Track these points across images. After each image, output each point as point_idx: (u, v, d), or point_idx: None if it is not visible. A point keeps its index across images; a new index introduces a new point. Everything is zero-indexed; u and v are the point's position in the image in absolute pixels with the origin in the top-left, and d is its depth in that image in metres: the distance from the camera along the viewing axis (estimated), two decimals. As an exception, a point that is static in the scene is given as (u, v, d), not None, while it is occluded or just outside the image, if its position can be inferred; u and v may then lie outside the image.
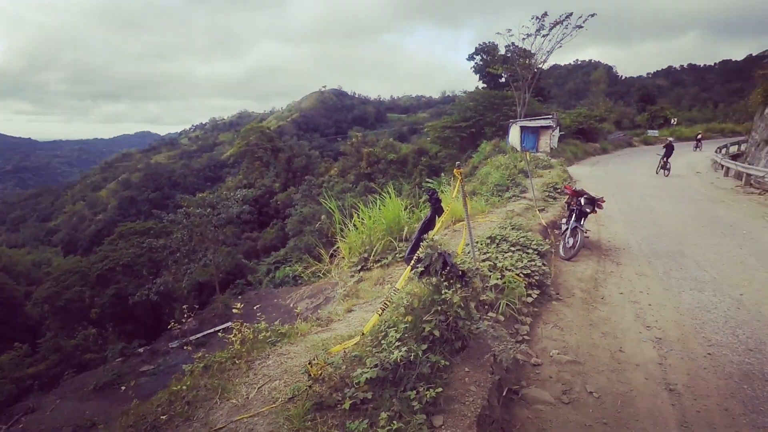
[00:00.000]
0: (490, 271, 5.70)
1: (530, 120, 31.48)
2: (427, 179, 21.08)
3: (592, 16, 30.44)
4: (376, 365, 3.37)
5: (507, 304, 5.14)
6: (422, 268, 4.01)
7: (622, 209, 12.66)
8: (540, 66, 34.59)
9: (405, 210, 8.48)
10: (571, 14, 30.16)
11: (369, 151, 55.59)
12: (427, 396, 3.19)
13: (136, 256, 26.69)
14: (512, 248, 6.85)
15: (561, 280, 6.90)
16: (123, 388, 13.52)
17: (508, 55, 36.18)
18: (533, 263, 6.43)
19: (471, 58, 46.82)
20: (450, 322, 3.83)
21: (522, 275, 5.96)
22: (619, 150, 37.47)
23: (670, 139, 25.60)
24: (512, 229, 7.85)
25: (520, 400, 3.83)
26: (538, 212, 10.77)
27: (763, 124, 19.11)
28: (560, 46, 31.75)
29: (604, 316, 5.62)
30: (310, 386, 3.27)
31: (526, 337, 4.94)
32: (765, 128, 18.67)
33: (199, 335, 19.56)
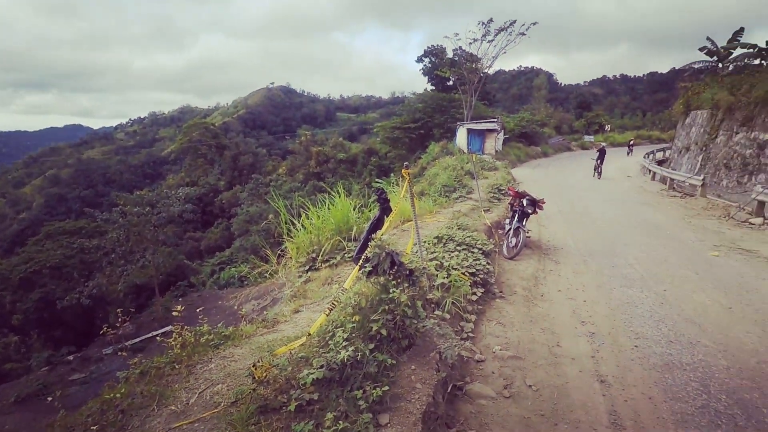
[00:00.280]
0: (437, 270, 5.83)
1: (476, 123, 32.53)
2: (377, 179, 21.23)
3: (534, 24, 31.97)
4: (322, 366, 3.34)
5: (453, 303, 5.27)
6: (370, 268, 4.02)
7: (561, 210, 13.38)
8: (486, 71, 35.84)
9: (354, 210, 8.49)
10: (514, 22, 31.52)
11: (318, 150, 55.11)
12: (374, 395, 3.20)
13: (65, 258, 24.86)
14: (458, 248, 7.04)
15: (504, 279, 7.18)
16: (49, 398, 12.49)
17: (456, 58, 37.18)
18: (478, 262, 6.64)
19: (420, 60, 47.61)
20: (397, 321, 3.87)
21: (467, 274, 6.13)
22: (558, 153, 39.59)
23: (603, 144, 27.47)
24: (458, 229, 8.07)
25: (464, 396, 3.94)
26: (483, 213, 11.15)
27: (684, 132, 20.90)
28: (505, 52, 33.08)
29: (544, 313, 5.91)
30: (254, 389, 3.19)
31: (470, 335, 5.09)
32: (686, 136, 20.43)
33: (136, 340, 18.48)
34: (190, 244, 46.80)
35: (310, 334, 3.72)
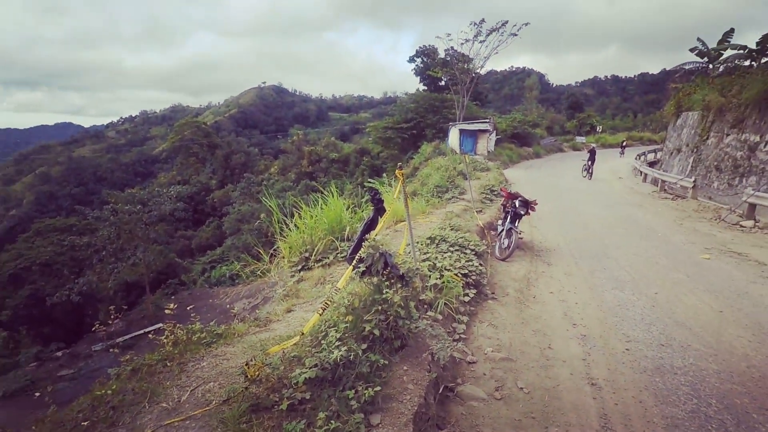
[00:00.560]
0: (430, 271, 5.84)
1: (469, 123, 32.64)
2: (369, 179, 21.20)
3: (526, 25, 32.12)
4: (315, 365, 3.34)
5: (445, 304, 5.29)
6: (364, 268, 4.03)
7: (553, 212, 13.47)
8: (478, 71, 35.94)
9: (347, 210, 8.48)
10: (506, 22, 31.65)
11: (310, 149, 55.04)
12: (366, 395, 3.21)
13: (55, 255, 24.65)
14: (451, 248, 7.07)
15: (496, 280, 7.22)
16: (38, 394, 12.39)
17: (448, 59, 37.25)
18: (471, 263, 6.66)
19: (412, 60, 47.65)
20: (390, 322, 3.88)
21: (460, 275, 6.15)
22: (551, 154, 39.82)
23: (593, 145, 27.73)
24: (451, 229, 8.09)
25: (456, 397, 3.95)
26: (475, 214, 11.20)
27: (675, 134, 21.13)
28: (496, 53, 33.19)
29: (536, 315, 5.95)
30: (246, 388, 3.19)
31: (462, 336, 5.11)
32: (677, 138, 20.65)
33: (126, 337, 18.37)
34: (181, 242, 46.54)
35: (302, 334, 3.71)
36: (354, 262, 4.14)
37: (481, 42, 32.52)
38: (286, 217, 8.37)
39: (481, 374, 4.37)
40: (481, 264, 6.91)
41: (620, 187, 19.94)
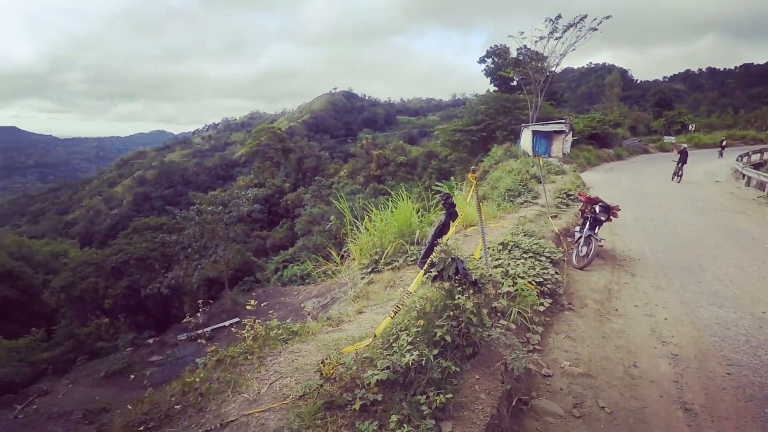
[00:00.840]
0: (503, 278, 5.67)
1: (542, 124, 31.21)
2: (437, 183, 21.02)
3: (607, 18, 30.00)
4: (387, 368, 3.37)
5: (519, 312, 5.10)
6: (435, 273, 4.00)
7: (637, 218, 12.50)
8: (552, 69, 34.28)
9: (416, 213, 8.47)
10: (585, 16, 29.82)
11: (379, 153, 55.75)
12: (437, 401, 3.18)
13: (149, 250, 27.08)
14: (524, 255, 6.80)
15: (573, 290, 6.83)
16: (132, 376, 13.73)
17: (520, 58, 35.89)
18: (546, 271, 6.37)
19: (482, 60, 46.52)
20: (462, 328, 3.82)
21: (534, 283, 5.91)
22: (634, 156, 37.00)
23: (684, 145, 25.23)
24: (524, 235, 7.79)
25: (530, 411, 3.79)
26: (550, 219, 10.69)
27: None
28: (574, 49, 31.41)
29: (618, 329, 5.54)
30: (321, 385, 3.29)
31: (537, 347, 4.89)
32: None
33: (207, 329, 19.74)
34: (256, 242, 49.25)
35: (375, 336, 3.76)
36: (425, 266, 4.13)
37: (556, 39, 30.99)
38: (356, 219, 8.54)
39: (557, 389, 4.15)
40: (557, 272, 6.58)
41: (717, 192, 18.00)
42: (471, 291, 4.03)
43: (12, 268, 33.39)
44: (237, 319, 20.09)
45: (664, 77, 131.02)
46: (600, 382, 4.27)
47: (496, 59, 44.88)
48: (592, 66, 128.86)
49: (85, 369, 18.35)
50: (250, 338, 4.35)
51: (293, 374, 3.67)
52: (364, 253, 7.85)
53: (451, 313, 3.83)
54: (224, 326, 19.82)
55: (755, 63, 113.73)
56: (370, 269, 7.37)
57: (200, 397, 3.48)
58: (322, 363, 3.36)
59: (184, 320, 19.46)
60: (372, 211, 8.40)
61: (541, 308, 5.59)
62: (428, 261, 4.12)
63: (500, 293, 5.27)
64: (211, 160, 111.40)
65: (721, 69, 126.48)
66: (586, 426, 3.63)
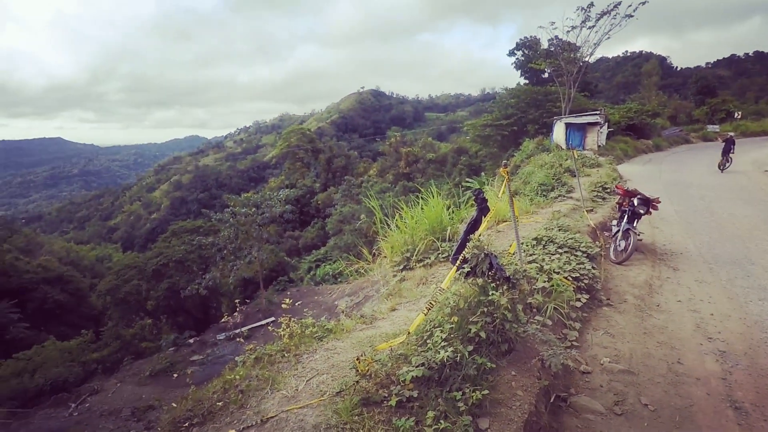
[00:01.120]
0: (537, 274, 5.57)
1: (576, 116, 30.29)
2: (467, 179, 20.78)
3: (643, 3, 28.76)
4: (422, 364, 3.38)
5: (555, 308, 4.99)
6: (468, 269, 3.98)
7: (679, 211, 11.97)
8: (586, 59, 33.16)
9: (447, 210, 8.42)
10: (619, 3, 28.66)
11: (408, 150, 55.64)
12: (473, 398, 3.17)
13: (187, 253, 28.01)
14: (560, 250, 6.65)
15: (612, 285, 6.62)
16: (175, 375, 14.29)
17: (552, 49, 34.88)
18: (582, 266, 6.21)
19: (512, 53, 45.58)
20: (496, 324, 3.78)
21: (570, 278, 5.77)
22: (674, 147, 35.41)
23: (731, 134, 23.91)
24: (559, 230, 7.61)
25: (569, 408, 3.72)
26: (586, 213, 10.39)
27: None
28: (608, 38, 30.25)
29: (660, 325, 5.34)
30: (357, 381, 3.34)
31: (575, 343, 4.78)
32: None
33: (246, 328, 20.28)
34: (289, 242, 50.13)
35: (409, 333, 3.78)
36: (458, 262, 4.11)
37: (589, 28, 29.94)
38: (387, 217, 8.58)
39: (597, 386, 4.04)
40: (594, 267, 6.40)
41: (767, 182, 17.00)
42: (505, 287, 3.99)
43: (62, 273, 35.40)
44: (273, 318, 20.54)
45: (707, 63, 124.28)
46: (642, 379, 4.13)
47: (526, 51, 43.91)
48: (629, 54, 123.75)
49: (131, 368, 19.23)
50: (287, 336, 4.46)
51: (329, 371, 3.74)
52: (396, 250, 7.88)
53: (485, 310, 3.80)
54: (261, 325, 20.30)
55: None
56: (401, 267, 7.39)
57: (240, 394, 3.60)
58: (357, 360, 3.41)
59: (222, 320, 20.10)
60: (402, 208, 8.42)
61: (578, 304, 5.45)
62: (461, 257, 4.10)
63: (535, 289, 5.18)
64: (243, 163, 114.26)
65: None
66: (628, 423, 3.52)
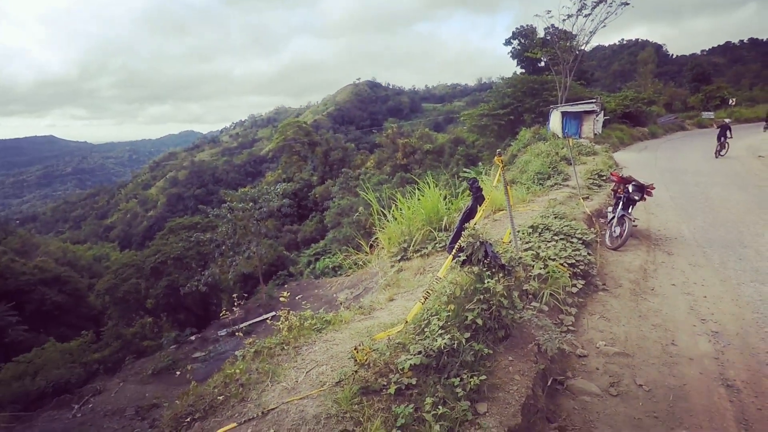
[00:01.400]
0: (533, 261, 5.62)
1: (572, 105, 30.28)
2: (465, 169, 20.83)
3: (639, -10, 28.70)
4: (419, 352, 3.43)
5: (551, 294, 5.06)
6: (464, 257, 4.02)
7: (673, 196, 12.05)
8: (582, 48, 33.07)
9: (444, 200, 8.46)
10: None
11: (405, 142, 55.45)
12: (471, 383, 3.23)
13: (185, 250, 27.93)
14: (555, 237, 6.70)
15: (607, 271, 6.69)
16: (178, 373, 14.35)
17: (548, 38, 34.82)
18: (578, 253, 6.27)
19: (508, 42, 45.33)
20: (493, 311, 3.84)
21: (566, 265, 5.83)
22: (670, 134, 35.46)
23: (727, 120, 23.99)
24: (555, 217, 7.66)
25: (566, 391, 3.79)
26: (581, 200, 10.44)
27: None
28: (604, 26, 30.19)
29: (655, 308, 5.42)
30: (356, 371, 3.38)
31: (571, 328, 4.85)
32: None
33: (247, 323, 20.35)
34: (288, 236, 50.12)
35: (406, 322, 3.83)
36: (454, 251, 4.15)
37: (585, 16, 29.83)
38: (384, 209, 8.61)
39: (593, 368, 4.12)
40: (589, 253, 6.47)
41: (759, 167, 17.07)
42: (501, 274, 4.03)
43: (59, 274, 35.24)
44: (273, 313, 20.52)
45: (702, 51, 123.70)
46: (637, 361, 4.21)
47: (522, 40, 43.67)
48: (624, 42, 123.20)
49: (133, 367, 19.25)
50: (285, 329, 4.50)
51: (328, 362, 3.78)
52: (393, 241, 7.93)
53: (482, 297, 3.85)
54: (262, 320, 20.37)
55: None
56: (399, 257, 7.44)
57: (241, 387, 3.65)
58: (355, 350, 3.46)
59: (223, 316, 20.13)
60: (399, 199, 8.45)
61: (574, 290, 5.52)
62: (456, 246, 4.14)
63: (531, 276, 5.24)
64: (239, 158, 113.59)
65: (764, 39, 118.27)
66: (623, 404, 3.60)
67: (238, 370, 3.90)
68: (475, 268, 4.02)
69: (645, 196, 8.45)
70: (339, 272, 23.18)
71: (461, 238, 4.12)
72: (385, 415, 2.99)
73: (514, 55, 44.77)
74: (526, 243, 6.34)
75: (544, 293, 5.03)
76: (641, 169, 16.98)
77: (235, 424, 3.19)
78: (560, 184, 12.79)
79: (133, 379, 17.65)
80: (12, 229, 60.04)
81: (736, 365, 4.07)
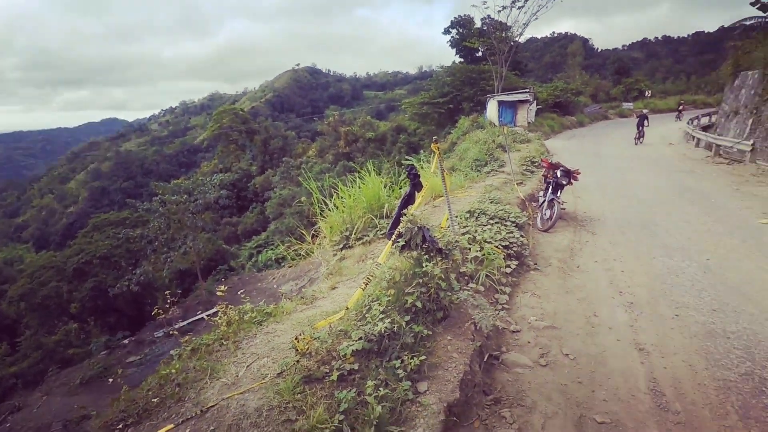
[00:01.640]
0: (470, 244, 5.84)
1: (508, 94, 31.54)
2: (407, 156, 21.08)
3: (567, -13, 30.30)
4: (361, 338, 3.47)
5: (487, 275, 5.29)
6: (403, 243, 4.10)
7: (597, 181, 12.99)
8: (516, 39, 34.47)
9: (385, 188, 8.54)
10: None
11: (347, 130, 55.05)
12: (412, 364, 3.32)
13: (113, 248, 26.21)
14: (491, 221, 7.00)
15: (539, 251, 7.11)
16: (110, 380, 13.43)
17: (485, 28, 35.88)
18: (512, 235, 6.59)
19: (447, 31, 46.07)
20: (431, 294, 3.96)
21: (501, 247, 6.11)
22: (595, 123, 38.06)
23: (645, 111, 26.22)
24: (491, 202, 8.00)
25: (501, 365, 4.00)
26: (516, 186, 10.97)
27: (733, 95, 19.60)
28: (536, 18, 31.65)
29: (580, 284, 5.84)
30: (297, 361, 3.36)
31: (505, 306, 5.11)
32: (734, 99, 19.16)
33: (185, 322, 19.46)
34: (227, 229, 48.33)
35: (347, 309, 3.85)
36: (393, 237, 4.22)
37: (519, 8, 31.06)
38: (326, 198, 8.55)
39: (525, 342, 4.38)
40: (522, 235, 6.82)
41: (670, 154, 18.86)
42: (438, 258, 4.16)
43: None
44: (215, 310, 19.80)
45: (623, 45, 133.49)
46: (564, 333, 4.54)
47: (460, 30, 44.51)
48: (555, 35, 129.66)
49: (58, 378, 17.75)
50: (224, 324, 4.36)
51: (270, 354, 3.73)
52: (335, 230, 7.91)
53: (421, 281, 3.96)
54: (202, 318, 19.58)
55: (706, 31, 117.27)
56: (341, 246, 7.43)
57: (178, 387, 3.50)
58: (296, 339, 3.43)
59: (158, 316, 19.10)
60: (340, 188, 8.42)
61: (508, 270, 5.81)
62: (396, 232, 4.21)
63: (468, 258, 5.45)
64: (171, 147, 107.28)
65: (675, 37, 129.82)
66: (552, 373, 3.87)
67: (174, 370, 3.73)
68: (414, 253, 4.11)
69: (572, 180, 9.04)
70: (282, 264, 22.74)
71: (400, 225, 4.19)
72: (328, 402, 3.01)
73: (453, 44, 45.62)
74: (464, 227, 6.57)
75: (480, 274, 5.25)
76: (570, 155, 18.12)
77: (172, 426, 3.06)
78: (496, 171, 13.33)
79: (58, 390, 16.31)
80: None
81: (647, 331, 4.51)
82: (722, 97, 23.17)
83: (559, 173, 8.87)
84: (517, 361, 4.01)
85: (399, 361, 3.37)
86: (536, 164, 13.99)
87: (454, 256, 4.51)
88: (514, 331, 4.60)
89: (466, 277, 5.15)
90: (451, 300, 4.08)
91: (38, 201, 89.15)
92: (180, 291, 25.17)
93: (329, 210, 8.36)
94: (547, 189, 8.82)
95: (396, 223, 4.53)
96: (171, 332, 18.67)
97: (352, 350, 3.39)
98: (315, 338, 3.57)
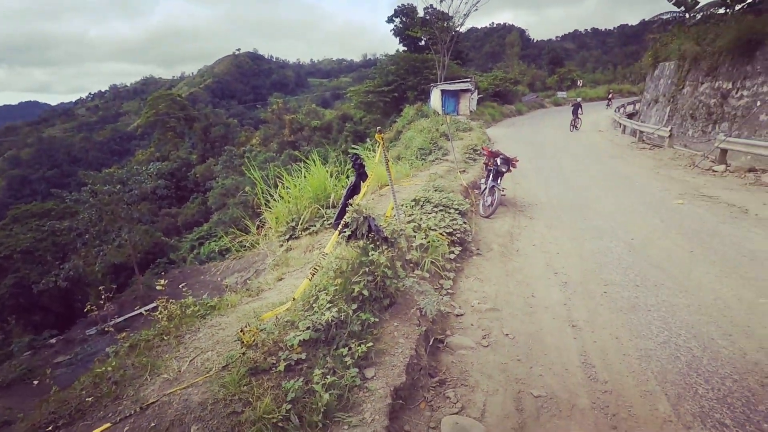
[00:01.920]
0: (415, 232, 5.97)
1: (450, 83, 32.21)
2: (353, 145, 21.03)
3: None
4: (308, 327, 3.48)
5: (432, 262, 5.44)
6: (349, 232, 4.13)
7: (535, 168, 13.64)
8: (457, 29, 35.16)
9: (331, 177, 8.50)
10: None
11: (291, 118, 53.91)
12: (359, 351, 3.38)
13: (36, 241, 24.27)
14: (435, 209, 7.18)
15: (481, 237, 7.40)
16: (36, 382, 12.48)
17: (427, 17, 36.27)
18: (455, 222, 6.80)
19: (390, 20, 46.10)
20: (378, 282, 4.03)
21: (445, 234, 6.30)
22: (532, 111, 39.79)
23: (579, 99, 27.82)
24: (435, 191, 8.19)
25: (446, 348, 4.16)
26: (459, 174, 11.29)
27: (653, 84, 21.26)
28: (476, 9, 32.52)
29: (519, 267, 6.16)
30: (243, 353, 3.31)
31: (450, 291, 5.29)
32: (654, 89, 20.78)
33: (120, 319, 18.46)
34: (166, 220, 46.01)
35: (294, 299, 3.83)
36: (339, 227, 4.23)
37: (459, -2, 31.66)
38: (271, 188, 8.37)
39: (468, 325, 4.58)
40: (465, 222, 7.06)
41: (600, 140, 20.15)
42: (384, 246, 4.23)
43: None
44: (154, 305, 18.90)
45: (557, 37, 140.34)
46: (504, 314, 4.79)
47: (404, 18, 44.63)
48: (495, 26, 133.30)
49: (-28, 383, 16.30)
50: (165, 319, 4.19)
51: (214, 348, 3.63)
52: (281, 221, 7.78)
53: (367, 269, 4.01)
54: (140, 313, 18.64)
55: (630, 24, 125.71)
56: (287, 236, 7.34)
57: (114, 385, 3.33)
58: (241, 332, 3.38)
59: (90, 313, 17.95)
60: (285, 178, 8.27)
61: (452, 256, 6.01)
62: (342, 222, 4.23)
63: (413, 246, 5.57)
64: (101, 134, 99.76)
65: (603, 29, 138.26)
66: (493, 352, 4.08)
67: (110, 368, 3.53)
68: (360, 242, 4.15)
69: (511, 168, 9.44)
70: (227, 256, 22.01)
71: (346, 215, 4.21)
72: (275, 392, 2.99)
73: (396, 32, 45.72)
74: (409, 216, 6.69)
75: (425, 261, 5.39)
76: (509, 143, 18.90)
77: (109, 425, 2.92)
78: (440, 159, 13.64)
79: (-26, 396, 14.97)
80: None
81: (579, 308, 4.87)
82: (644, 86, 25.08)
83: (499, 161, 9.23)
84: (461, 343, 4.19)
85: (346, 348, 3.41)
86: (478, 152, 14.45)
87: (400, 245, 4.60)
88: (458, 315, 4.79)
89: (411, 265, 5.27)
90: (397, 287, 4.17)
91: (-56, 192, 79.90)
92: (115, 286, 23.73)
93: (275, 200, 8.21)
94: (488, 176, 9.15)
95: (342, 212, 4.55)
96: (105, 329, 17.58)
97: (300, 340, 3.38)
98: (261, 330, 3.53)
